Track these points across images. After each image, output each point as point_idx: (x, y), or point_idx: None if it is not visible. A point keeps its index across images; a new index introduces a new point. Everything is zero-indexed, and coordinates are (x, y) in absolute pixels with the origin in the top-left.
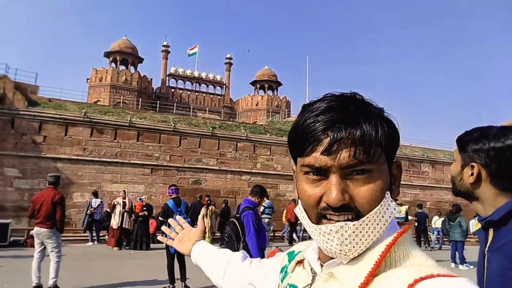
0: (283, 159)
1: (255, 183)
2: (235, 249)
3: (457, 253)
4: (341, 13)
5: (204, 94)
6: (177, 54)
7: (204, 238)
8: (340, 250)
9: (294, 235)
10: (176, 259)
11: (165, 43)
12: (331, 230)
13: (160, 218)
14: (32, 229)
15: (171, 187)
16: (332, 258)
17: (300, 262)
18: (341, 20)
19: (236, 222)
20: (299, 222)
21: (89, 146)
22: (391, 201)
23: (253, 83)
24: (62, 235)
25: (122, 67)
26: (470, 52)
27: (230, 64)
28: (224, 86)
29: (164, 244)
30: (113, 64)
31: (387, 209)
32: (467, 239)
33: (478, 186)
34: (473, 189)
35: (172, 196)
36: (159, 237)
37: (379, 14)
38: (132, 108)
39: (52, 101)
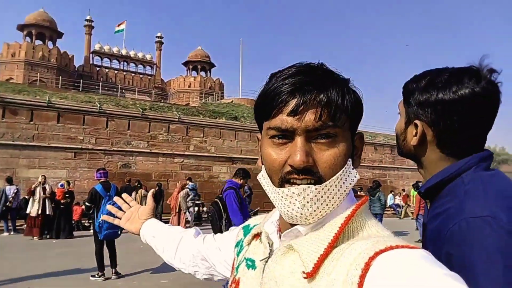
0: (216, 141)
1: (188, 166)
2: (218, 227)
3: None
4: None
5: (133, 74)
6: (102, 31)
7: (153, 216)
8: (301, 214)
9: None
10: (106, 245)
11: (88, 18)
12: (293, 192)
13: (87, 203)
14: None
15: (99, 171)
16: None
17: (257, 235)
18: (275, 2)
19: (219, 201)
20: None
21: (1, 129)
22: (352, 169)
23: (186, 63)
24: None
25: (38, 42)
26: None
27: (161, 43)
28: (155, 66)
29: (92, 231)
30: (28, 39)
31: (348, 176)
32: (384, 212)
33: (423, 150)
34: (415, 153)
35: (101, 180)
36: (103, 216)
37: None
38: (51, 87)
39: None
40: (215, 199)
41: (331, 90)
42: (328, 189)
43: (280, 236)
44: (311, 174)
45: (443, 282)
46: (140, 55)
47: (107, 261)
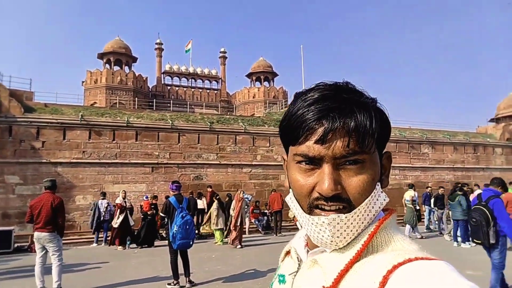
0: (282, 149)
1: (256, 175)
2: (483, 232)
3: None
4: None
5: (200, 90)
6: (171, 51)
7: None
8: (331, 241)
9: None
10: (180, 255)
11: (158, 41)
12: (323, 222)
13: (161, 214)
14: None
15: (174, 184)
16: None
17: (288, 252)
18: (334, 7)
19: (484, 209)
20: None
21: (88, 149)
22: (381, 192)
23: (249, 75)
24: (68, 237)
25: (116, 68)
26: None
27: (225, 57)
28: (220, 80)
29: (167, 241)
30: (107, 65)
31: (377, 199)
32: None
33: None
34: None
35: (175, 193)
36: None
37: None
38: (129, 108)
39: (48, 106)
40: (478, 206)
41: (358, 115)
42: (358, 216)
43: (307, 251)
44: (340, 200)
45: None
46: (206, 71)
47: (181, 269)
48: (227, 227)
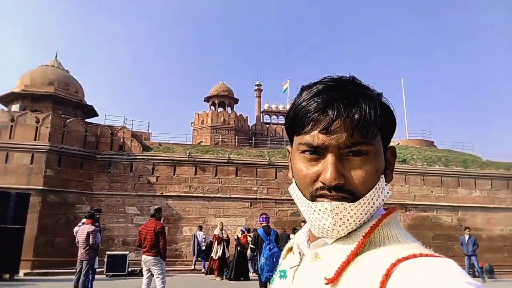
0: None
1: None
2: None
3: None
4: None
5: None
6: (269, 90)
7: None
8: (333, 229)
9: None
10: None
11: (257, 83)
12: (326, 208)
13: (251, 246)
14: None
15: (262, 216)
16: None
17: (291, 249)
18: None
19: None
20: None
21: (194, 183)
22: (385, 185)
23: None
24: (175, 265)
25: (220, 109)
26: None
27: None
28: None
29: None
30: (212, 107)
31: (381, 192)
32: None
33: None
34: None
35: (263, 225)
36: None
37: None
38: (230, 146)
39: (162, 145)
40: None
41: (363, 106)
42: (362, 206)
43: (309, 246)
44: (342, 190)
45: None
46: None
47: None
48: None
